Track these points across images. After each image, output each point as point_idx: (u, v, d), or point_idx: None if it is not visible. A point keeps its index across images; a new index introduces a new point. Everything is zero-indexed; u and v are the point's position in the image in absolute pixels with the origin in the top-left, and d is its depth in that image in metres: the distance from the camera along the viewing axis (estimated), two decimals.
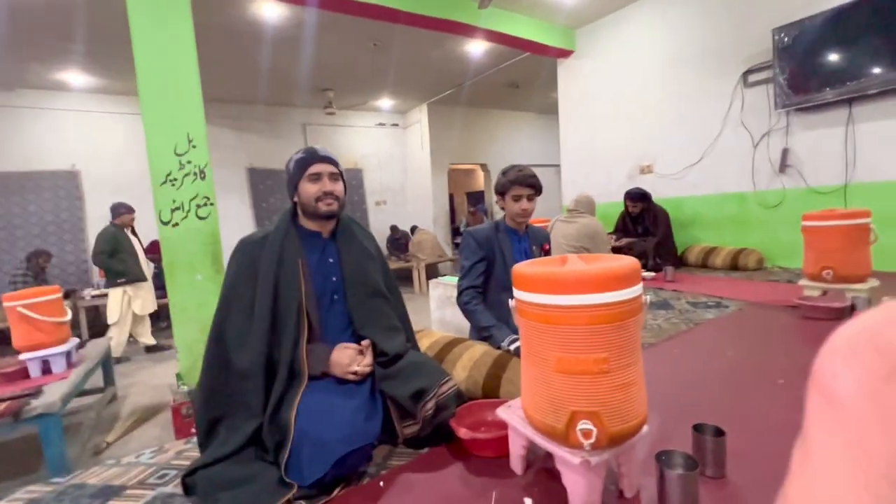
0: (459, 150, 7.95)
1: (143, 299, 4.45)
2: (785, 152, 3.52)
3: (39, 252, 4.78)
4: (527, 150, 8.23)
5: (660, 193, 4.22)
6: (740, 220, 3.91)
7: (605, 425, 0.83)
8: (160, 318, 5.47)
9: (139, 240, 4.81)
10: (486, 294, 1.79)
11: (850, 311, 2.05)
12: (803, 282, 2.39)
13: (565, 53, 5.07)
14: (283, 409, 1.12)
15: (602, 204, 4.68)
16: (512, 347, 1.51)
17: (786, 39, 3.31)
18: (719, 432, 1.01)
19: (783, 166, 3.54)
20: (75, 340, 2.70)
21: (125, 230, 4.52)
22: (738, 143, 3.79)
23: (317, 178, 1.27)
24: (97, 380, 3.20)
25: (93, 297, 4.82)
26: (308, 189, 1.27)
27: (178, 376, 2.80)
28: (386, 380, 1.25)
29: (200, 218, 2.81)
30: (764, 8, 3.50)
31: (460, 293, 1.78)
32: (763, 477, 0.98)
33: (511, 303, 0.99)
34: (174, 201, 2.73)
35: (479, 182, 9.71)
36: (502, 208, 1.83)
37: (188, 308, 2.79)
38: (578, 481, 0.88)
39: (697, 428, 1.03)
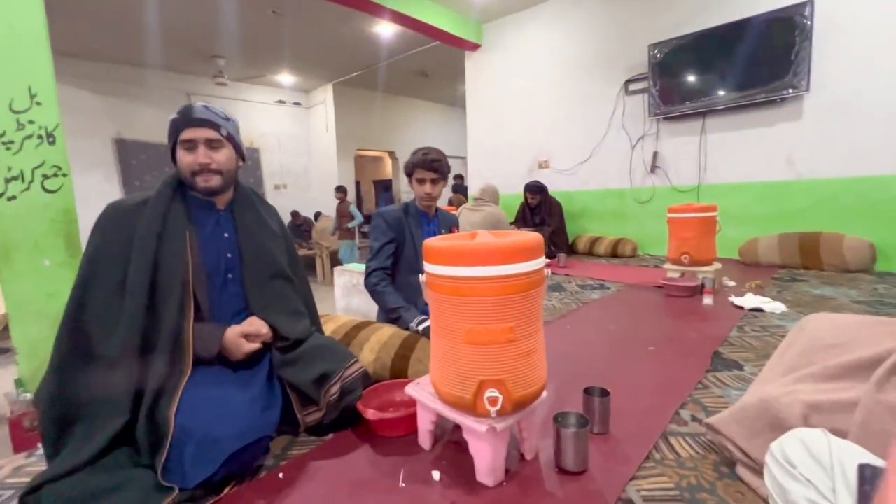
0: (367, 135, 7.73)
1: None
2: (655, 155, 4.05)
3: None
4: (435, 140, 8.22)
5: (555, 187, 4.57)
6: (620, 214, 4.42)
7: (510, 392, 0.87)
8: None
9: None
10: (395, 276, 1.77)
11: (700, 288, 2.43)
12: (667, 266, 2.78)
13: (473, 46, 5.19)
14: (160, 405, 0.97)
15: (505, 195, 4.92)
16: (421, 328, 1.51)
17: (658, 55, 3.79)
18: (605, 393, 1.13)
19: (653, 167, 4.07)
20: None
21: None
22: (620, 144, 4.26)
23: (191, 145, 1.10)
24: None
25: None
26: (183, 159, 1.10)
27: (18, 382, 2.30)
28: (285, 366, 1.16)
29: (48, 191, 2.33)
30: (643, 24, 3.95)
31: (368, 275, 1.74)
32: (638, 431, 1.12)
33: (421, 278, 0.98)
34: (9, 169, 2.22)
35: (388, 170, 9.57)
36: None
37: (32, 300, 2.30)
38: (485, 448, 0.91)
39: (587, 391, 1.14)
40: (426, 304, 1.70)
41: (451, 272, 0.87)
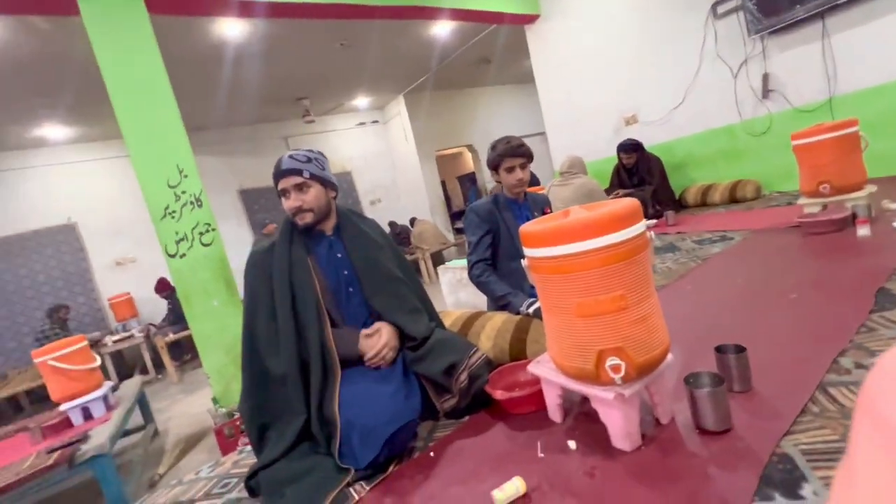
0: (443, 135, 7.93)
1: None
2: (765, 77, 3.51)
3: (58, 307, 4.89)
4: (510, 122, 8.19)
5: (648, 141, 4.22)
6: (732, 153, 3.92)
7: (631, 358, 0.88)
8: (183, 352, 5.57)
9: None
10: (496, 265, 1.83)
11: (851, 219, 2.08)
12: (802, 200, 2.42)
13: (531, 19, 5.02)
14: (325, 404, 1.18)
15: (592, 162, 4.69)
16: (531, 310, 1.56)
17: None
18: (740, 349, 1.06)
19: (766, 92, 3.54)
20: (109, 384, 2.78)
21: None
22: (717, 76, 3.77)
23: (285, 193, 1.29)
24: (136, 419, 3.28)
25: (115, 342, 4.90)
26: (284, 205, 1.31)
27: (215, 400, 2.87)
28: (416, 362, 1.30)
29: (205, 245, 2.86)
30: None
31: (471, 268, 1.83)
32: (788, 385, 1.03)
33: (523, 262, 1.03)
34: (177, 233, 2.77)
35: (469, 164, 9.69)
36: (498, 182, 1.86)
37: (211, 335, 2.85)
38: (615, 415, 0.93)
39: (719, 349, 1.08)
40: (532, 287, 1.75)
41: (550, 252, 0.91)
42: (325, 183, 1.34)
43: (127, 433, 3.28)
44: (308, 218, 1.29)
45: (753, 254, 2.20)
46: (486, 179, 8.31)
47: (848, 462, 0.23)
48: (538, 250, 0.94)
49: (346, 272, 1.35)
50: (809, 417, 0.91)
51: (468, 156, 9.24)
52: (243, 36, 4.06)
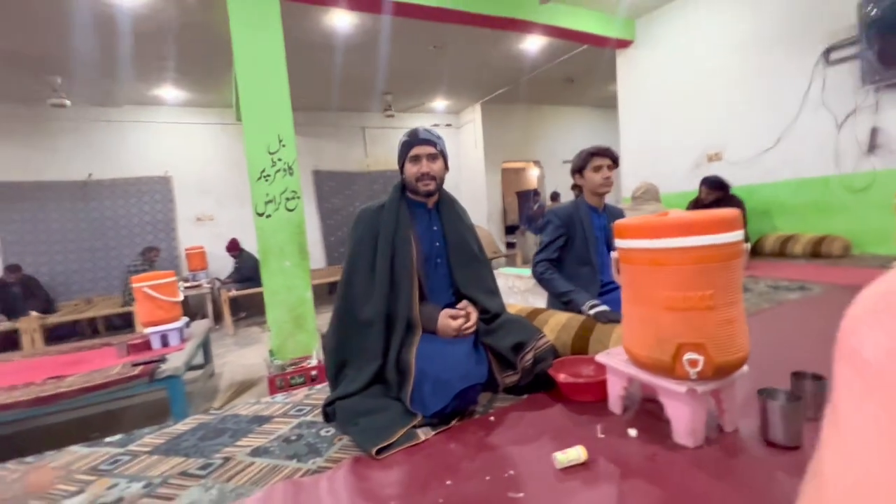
0: (513, 147, 8.02)
1: None
2: (874, 131, 3.31)
3: (151, 248, 5.47)
4: (582, 144, 8.01)
5: (731, 180, 4.08)
6: (822, 206, 3.71)
7: (711, 356, 0.92)
8: (240, 309, 6.00)
9: None
10: (564, 268, 1.89)
11: None
12: None
13: (624, 44, 5.02)
14: (403, 353, 1.30)
15: (666, 193, 4.59)
16: (593, 312, 1.60)
17: (874, 11, 3.13)
18: (818, 377, 1.06)
19: (872, 146, 3.33)
20: (186, 319, 3.09)
21: None
22: (819, 124, 3.60)
23: (416, 160, 1.42)
24: (196, 357, 3.60)
25: (186, 288, 5.36)
26: (409, 170, 1.43)
27: (271, 352, 3.11)
28: (488, 334, 1.39)
29: (289, 210, 3.12)
30: None
31: (535, 265, 1.90)
32: None
33: (613, 255, 1.10)
34: (267, 195, 3.05)
35: (530, 181, 9.71)
36: (578, 186, 1.93)
37: (279, 292, 3.09)
38: (684, 409, 0.97)
39: (796, 374, 1.09)
40: (600, 293, 1.79)
41: (648, 244, 0.97)
42: (446, 161, 1.48)
43: (191, 368, 3.61)
44: (432, 185, 1.42)
45: (836, 306, 2.09)
46: (546, 198, 8.28)
47: (832, 406, 0.23)
48: (634, 241, 1.00)
49: (437, 244, 1.47)
50: None
51: (531, 172, 9.27)
52: (350, 28, 4.38)
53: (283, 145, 3.11)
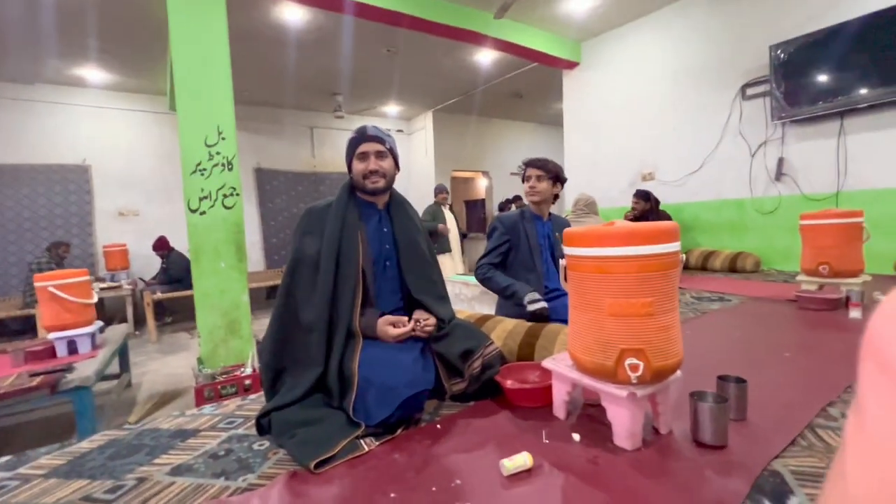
0: (462, 157, 8.13)
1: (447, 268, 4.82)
2: (780, 161, 3.73)
3: (60, 243, 4.86)
4: (527, 156, 8.41)
5: (661, 199, 4.41)
6: (738, 226, 4.11)
7: (650, 361, 0.96)
8: (166, 313, 5.51)
9: (454, 216, 5.47)
10: (510, 275, 1.93)
11: (845, 302, 2.20)
12: (801, 277, 2.55)
13: (571, 65, 5.29)
14: (345, 360, 1.24)
15: (604, 208, 4.86)
16: (532, 308, 1.65)
17: (782, 55, 3.54)
18: (741, 380, 1.14)
19: (779, 174, 3.75)
20: (99, 323, 2.78)
21: (442, 207, 5.12)
22: (737, 152, 4.00)
23: (364, 157, 1.38)
24: (111, 367, 3.25)
25: (102, 289, 4.85)
26: (357, 167, 1.39)
27: (199, 360, 2.87)
28: (437, 341, 1.37)
29: (227, 207, 2.92)
30: (762, 26, 3.74)
31: (477, 268, 1.94)
32: (780, 421, 1.11)
33: (562, 262, 1.12)
34: (202, 190, 2.84)
35: (478, 191, 9.89)
36: (520, 199, 2.00)
37: (211, 294, 2.87)
38: (624, 413, 1.01)
39: (722, 377, 1.17)
40: (546, 291, 1.84)
41: (595, 252, 1.00)
42: (396, 160, 1.44)
43: (104, 378, 3.24)
44: (381, 183, 1.38)
45: (751, 316, 2.31)
46: (494, 209, 8.47)
47: (856, 406, 0.23)
48: (581, 249, 1.03)
49: (387, 246, 1.43)
50: (798, 448, 0.99)
51: (480, 182, 9.45)
52: (301, 23, 4.23)
53: (223, 138, 2.92)
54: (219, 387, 2.68)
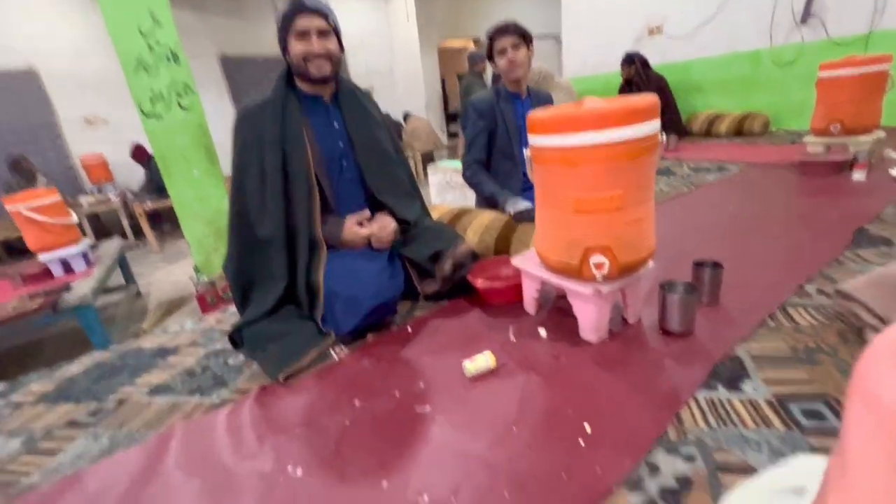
0: (449, 22, 7.18)
1: None
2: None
3: (19, 158, 4.57)
4: (523, 19, 7.41)
5: (669, 57, 3.95)
6: (751, 82, 3.72)
7: (616, 258, 0.90)
8: (162, 222, 5.52)
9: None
10: (489, 163, 1.79)
11: (850, 164, 2.06)
12: (808, 138, 2.37)
13: None
14: (311, 272, 1.20)
15: (605, 74, 4.41)
16: (511, 210, 1.55)
17: None
18: (717, 265, 1.10)
19: (806, 15, 3.25)
20: (88, 241, 2.76)
21: (481, 79, 4.14)
22: None
23: (304, 35, 1.15)
24: (118, 279, 3.34)
25: (90, 204, 4.78)
26: (295, 48, 1.16)
27: (196, 269, 2.91)
28: (405, 245, 1.31)
29: (183, 108, 2.66)
30: None
31: (466, 168, 1.78)
32: (753, 303, 1.09)
33: (526, 153, 0.99)
34: (152, 90, 2.55)
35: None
36: (497, 74, 1.74)
37: (191, 204, 2.78)
38: (589, 309, 0.98)
39: (697, 263, 1.12)
40: (524, 186, 1.73)
41: (558, 142, 0.86)
42: (340, 40, 1.21)
43: (110, 290, 3.36)
44: (326, 68, 1.18)
45: (747, 186, 2.20)
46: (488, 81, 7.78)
47: (840, 447, 0.22)
48: (544, 138, 0.89)
49: (341, 144, 1.28)
50: (765, 330, 0.98)
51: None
52: None
53: (159, 24, 2.52)
54: (220, 293, 2.76)
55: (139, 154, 5.14)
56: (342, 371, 1.04)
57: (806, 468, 0.44)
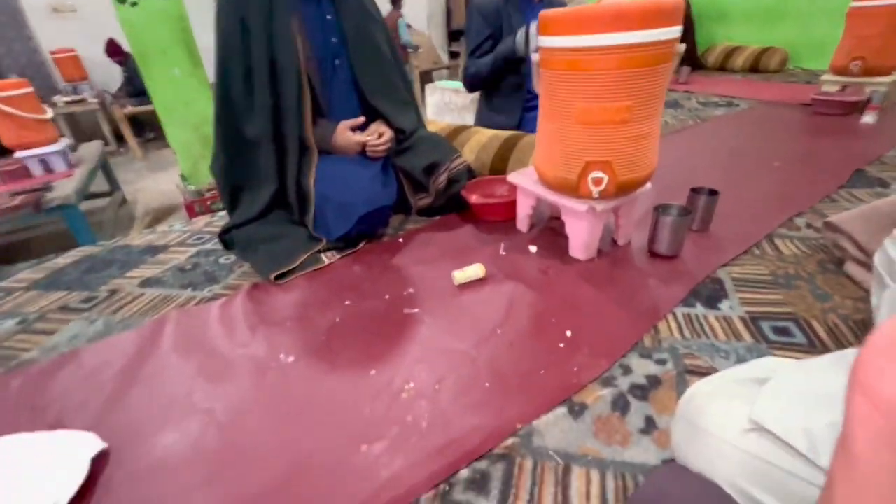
0: None
1: None
2: None
3: None
4: None
5: None
6: (776, 12, 3.48)
7: (615, 174, 0.88)
8: (144, 128, 5.26)
9: None
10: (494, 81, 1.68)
11: (864, 105, 1.99)
12: (825, 76, 2.27)
13: None
14: (301, 177, 1.16)
15: None
16: (523, 33, 1.41)
17: None
18: (713, 192, 1.09)
19: None
20: (66, 140, 2.64)
21: None
22: None
23: None
24: (102, 185, 3.25)
25: (66, 103, 4.50)
26: None
27: (183, 177, 2.83)
28: (399, 154, 1.27)
29: None
30: None
31: (464, 77, 1.68)
32: (741, 232, 1.10)
33: (534, 57, 0.93)
34: None
35: None
36: None
37: (174, 108, 2.64)
38: (582, 227, 0.98)
39: (694, 189, 1.11)
40: (526, 107, 1.65)
41: (569, 43, 0.80)
42: None
43: (94, 196, 3.28)
44: None
45: (754, 123, 2.14)
46: None
47: (843, 443, 0.22)
48: (555, 39, 0.83)
49: (334, 40, 1.18)
50: (749, 257, 1.01)
51: None
52: None
53: None
54: (208, 202, 2.71)
55: (113, 50, 4.75)
56: (333, 274, 1.05)
57: (768, 365, 0.47)
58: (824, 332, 0.77)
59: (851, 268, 0.90)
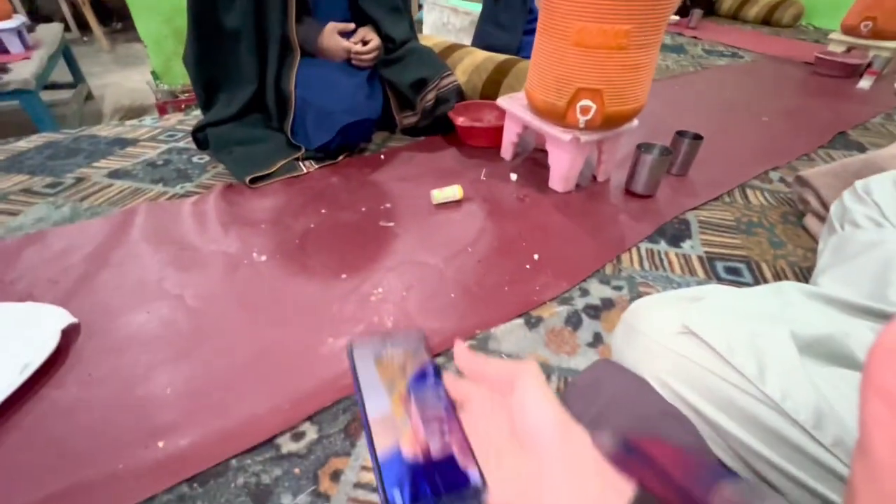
0: None
1: None
2: None
3: None
4: None
5: None
6: None
7: (604, 104, 0.87)
8: (112, 17, 4.77)
9: None
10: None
11: (864, 68, 1.97)
12: (833, 35, 2.20)
13: None
14: (281, 78, 1.10)
15: None
16: None
17: None
18: (697, 137, 1.10)
19: None
20: (22, 18, 2.39)
21: None
22: None
23: None
24: (64, 75, 3.00)
25: None
26: None
27: (154, 75, 2.64)
28: (387, 66, 1.20)
29: None
30: None
31: None
32: (716, 180, 1.12)
33: None
34: None
35: None
36: None
37: None
38: (564, 157, 0.99)
39: (679, 132, 1.11)
40: (527, 30, 1.57)
41: None
42: None
43: (56, 87, 3.04)
44: None
45: (753, 77, 2.09)
46: None
47: (862, 452, 0.21)
48: None
49: None
50: (719, 203, 1.04)
51: None
52: None
53: None
54: (182, 104, 2.56)
55: None
56: (310, 183, 1.04)
57: (707, 289, 0.50)
58: (771, 275, 0.82)
59: (810, 221, 0.94)
